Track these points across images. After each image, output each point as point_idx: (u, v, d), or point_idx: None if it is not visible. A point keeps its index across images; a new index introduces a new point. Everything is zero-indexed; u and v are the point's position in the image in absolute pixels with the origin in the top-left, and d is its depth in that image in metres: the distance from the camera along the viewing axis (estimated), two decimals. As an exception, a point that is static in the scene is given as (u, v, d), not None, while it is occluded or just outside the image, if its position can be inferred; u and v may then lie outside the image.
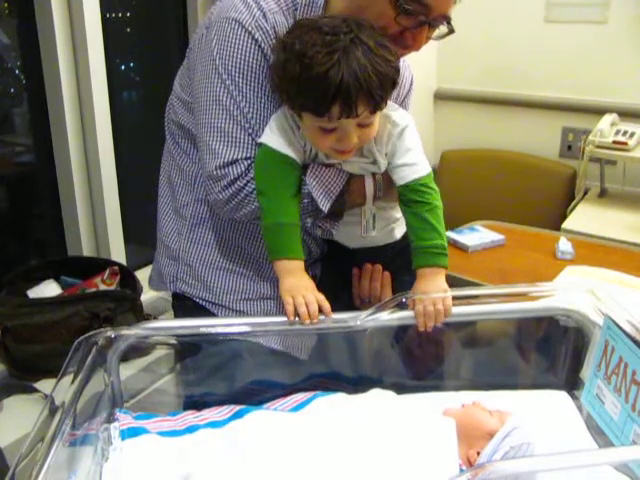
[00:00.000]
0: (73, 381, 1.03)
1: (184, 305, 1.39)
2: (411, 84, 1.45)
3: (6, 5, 1.93)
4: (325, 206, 1.21)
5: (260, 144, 1.20)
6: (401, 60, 1.36)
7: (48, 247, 2.17)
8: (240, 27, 1.18)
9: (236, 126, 1.21)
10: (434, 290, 1.19)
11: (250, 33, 1.18)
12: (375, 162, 1.22)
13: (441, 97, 3.25)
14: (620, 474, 1.01)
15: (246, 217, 1.25)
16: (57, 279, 1.91)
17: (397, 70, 1.12)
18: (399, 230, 1.38)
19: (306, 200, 1.22)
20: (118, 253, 2.12)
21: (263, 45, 1.18)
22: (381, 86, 1.08)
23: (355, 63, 1.05)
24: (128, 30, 2.23)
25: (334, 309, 1.19)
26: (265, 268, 1.34)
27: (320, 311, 1.16)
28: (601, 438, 1.10)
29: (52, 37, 1.86)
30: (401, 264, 1.36)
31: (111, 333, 1.12)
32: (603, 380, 1.09)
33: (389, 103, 1.18)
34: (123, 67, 2.23)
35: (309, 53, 1.05)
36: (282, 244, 1.19)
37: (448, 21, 1.22)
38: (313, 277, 1.31)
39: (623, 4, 2.69)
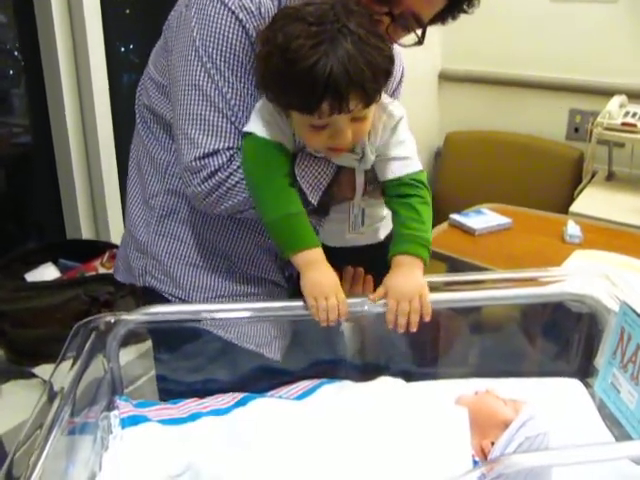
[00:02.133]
0: (72, 367, 1.00)
1: (155, 301, 1.27)
2: (402, 74, 1.34)
3: None
4: (314, 198, 1.13)
5: (247, 133, 1.11)
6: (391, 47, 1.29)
7: (46, 230, 2.15)
8: (222, 5, 1.07)
9: (217, 113, 1.10)
10: (411, 283, 1.10)
11: (234, 12, 1.07)
12: (363, 157, 1.14)
13: (446, 78, 3.22)
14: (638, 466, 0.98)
15: (227, 211, 1.16)
16: (56, 262, 1.89)
17: (391, 59, 1.02)
18: (383, 231, 1.29)
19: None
20: (117, 235, 2.08)
21: (248, 26, 1.08)
22: (374, 78, 0.99)
23: (344, 55, 0.95)
24: (127, 12, 2.19)
25: None
26: (237, 265, 1.26)
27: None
28: (616, 428, 1.07)
29: (49, 16, 1.84)
30: (384, 266, 1.25)
31: (111, 318, 1.09)
32: (619, 368, 1.05)
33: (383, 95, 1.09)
34: (123, 49, 2.19)
35: (293, 46, 0.96)
36: (297, 235, 1.09)
37: (420, 26, 1.11)
38: (289, 276, 1.28)
39: (633, -17, 2.64)
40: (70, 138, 1.97)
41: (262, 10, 1.08)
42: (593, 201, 2.48)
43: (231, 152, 1.11)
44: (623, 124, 2.46)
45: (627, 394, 1.02)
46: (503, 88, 3.07)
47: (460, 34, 3.06)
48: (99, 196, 2.05)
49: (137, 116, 1.30)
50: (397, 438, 0.95)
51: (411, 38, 1.12)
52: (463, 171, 3.06)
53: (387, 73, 1.02)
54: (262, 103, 1.11)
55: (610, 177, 2.71)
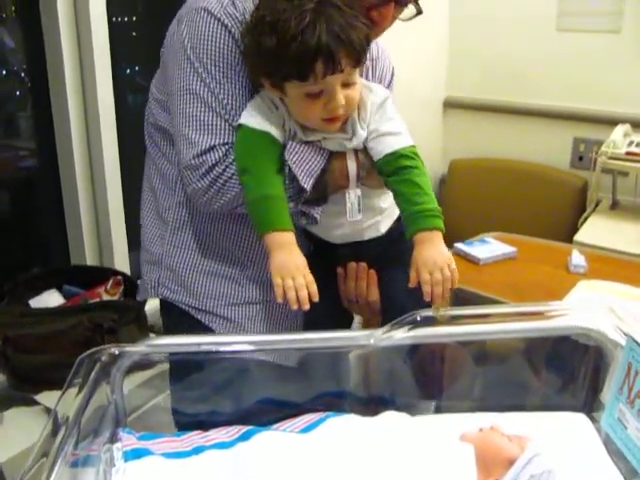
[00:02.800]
0: (77, 396, 1.00)
1: (170, 312, 1.37)
2: (392, 75, 1.43)
3: (13, 8, 1.91)
4: (307, 183, 1.19)
5: (239, 125, 1.19)
6: (380, 50, 1.40)
7: (51, 255, 2.15)
8: (209, 15, 1.18)
9: (211, 113, 1.19)
10: (437, 256, 1.16)
11: (219, 20, 1.18)
12: (354, 135, 1.21)
13: (450, 105, 3.25)
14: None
15: (227, 206, 1.22)
16: (60, 288, 1.89)
17: (369, 28, 1.13)
18: (384, 224, 1.36)
19: (287, 182, 1.19)
20: (122, 262, 2.09)
21: (233, 31, 1.18)
22: (358, 38, 1.10)
23: (329, 20, 1.07)
24: (134, 34, 2.21)
25: (324, 314, 1.20)
26: (250, 270, 1.32)
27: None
28: (623, 464, 1.06)
29: (58, 40, 1.86)
30: (388, 260, 1.37)
31: (115, 350, 1.08)
32: (625, 404, 1.05)
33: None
34: (128, 71, 2.21)
35: (281, 20, 1.07)
36: (270, 216, 1.16)
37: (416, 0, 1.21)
38: None
39: (636, 14, 2.68)
40: (76, 163, 1.98)
41: (246, 16, 1.18)
42: (597, 230, 2.49)
43: (226, 147, 1.20)
44: (627, 153, 2.48)
45: (634, 430, 1.01)
46: (507, 116, 3.09)
47: (465, 62, 3.11)
48: (104, 222, 2.06)
49: (146, 138, 1.39)
50: (403, 475, 0.95)
51: (409, 12, 1.23)
52: (467, 198, 3.07)
53: (368, 37, 1.13)
54: (253, 101, 1.21)
55: (614, 206, 2.73)
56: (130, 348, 1.10)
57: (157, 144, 1.35)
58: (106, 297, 1.85)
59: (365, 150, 1.24)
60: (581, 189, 2.86)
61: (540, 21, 2.89)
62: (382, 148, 1.21)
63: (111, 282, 1.86)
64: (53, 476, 0.85)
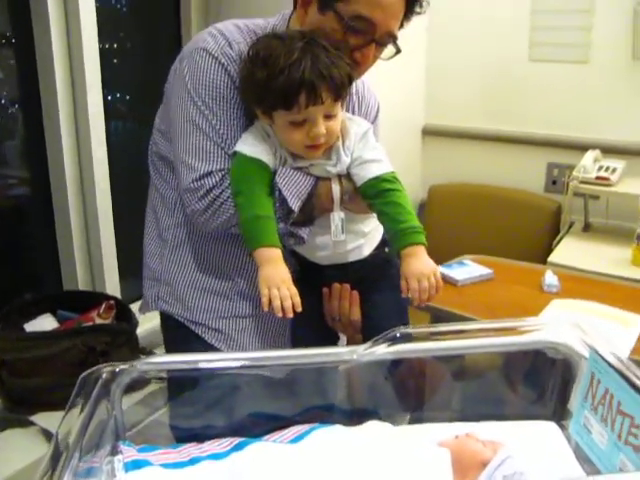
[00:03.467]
0: (80, 413, 1.04)
1: (167, 324, 1.50)
2: (377, 112, 1.55)
3: (7, 35, 1.94)
4: (295, 205, 1.30)
5: (234, 153, 1.31)
6: (366, 88, 1.53)
7: (44, 281, 2.19)
8: (207, 54, 1.31)
9: (209, 142, 1.31)
10: (423, 266, 1.27)
11: (217, 59, 1.31)
12: (338, 162, 1.32)
13: (429, 133, 3.33)
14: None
15: (222, 226, 1.34)
16: (54, 313, 1.94)
17: (351, 67, 1.26)
18: (367, 247, 1.47)
19: (277, 204, 1.30)
20: (113, 287, 2.15)
21: (229, 68, 1.31)
22: (340, 75, 1.22)
23: (314, 58, 1.20)
24: (116, 61, 2.26)
25: (310, 331, 1.37)
26: (241, 287, 1.44)
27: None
28: (590, 467, 1.13)
29: (51, 70, 1.91)
30: (370, 283, 1.49)
31: (115, 368, 1.14)
32: (590, 411, 1.13)
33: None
34: (111, 98, 2.25)
35: (272, 55, 1.21)
36: (260, 234, 1.27)
37: (394, 40, 1.32)
38: None
39: (603, 46, 2.80)
40: (69, 192, 2.02)
41: (242, 57, 1.30)
42: (570, 251, 2.58)
43: (222, 173, 1.31)
44: (597, 177, 2.58)
45: (598, 435, 1.09)
46: (484, 143, 3.18)
47: (442, 91, 3.20)
48: (96, 249, 2.11)
49: (150, 166, 1.51)
50: (384, 477, 1.02)
51: (389, 51, 1.35)
52: (446, 222, 3.14)
53: (349, 76, 1.26)
54: (248, 131, 1.33)
55: (586, 228, 2.82)
56: (129, 366, 1.16)
57: (159, 171, 1.47)
58: (99, 321, 1.90)
59: (348, 176, 1.34)
60: (555, 212, 2.95)
61: (514, 51, 2.99)
62: (365, 174, 1.32)
63: (104, 306, 1.92)
64: None
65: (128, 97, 2.32)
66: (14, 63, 1.98)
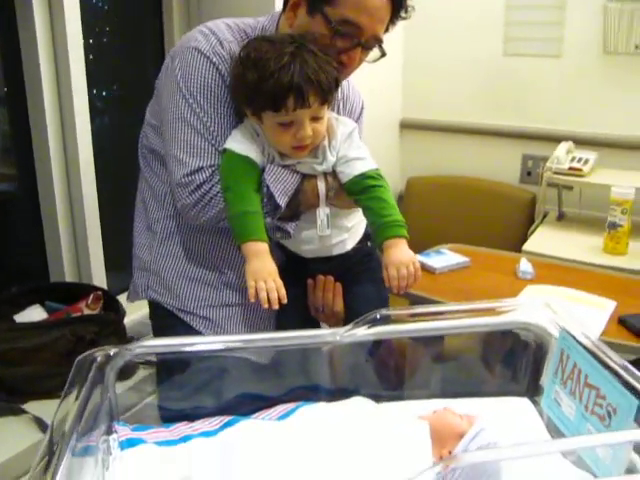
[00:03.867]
0: (76, 396, 1.08)
1: (156, 313, 1.54)
2: (361, 110, 1.61)
3: None
4: (282, 200, 1.35)
5: (224, 150, 1.35)
6: (351, 87, 1.58)
7: (31, 274, 2.22)
8: (199, 53, 1.35)
9: (199, 138, 1.35)
10: (403, 256, 1.34)
11: (208, 57, 1.35)
12: (324, 160, 1.37)
13: (406, 126, 3.39)
14: (583, 471, 1.11)
15: (212, 220, 1.38)
16: (42, 304, 1.97)
17: (338, 71, 1.31)
18: (350, 241, 1.53)
19: (265, 199, 1.35)
20: (100, 279, 2.18)
21: (220, 67, 1.35)
22: (327, 80, 1.27)
23: (303, 63, 1.24)
24: (101, 56, 2.27)
25: (294, 320, 1.42)
26: (228, 277, 1.49)
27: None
28: (560, 438, 1.20)
29: (37, 66, 1.92)
30: (352, 276, 1.55)
31: (110, 351, 1.19)
32: (560, 385, 1.20)
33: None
34: (95, 92, 2.27)
35: (263, 59, 1.25)
36: (248, 229, 1.32)
37: (380, 43, 1.38)
38: None
39: (575, 41, 2.88)
40: (55, 185, 2.04)
41: (232, 57, 1.35)
42: (545, 240, 2.64)
43: (212, 169, 1.36)
44: (570, 168, 2.65)
45: (567, 407, 1.16)
46: (460, 135, 3.24)
47: (419, 86, 3.26)
48: (82, 241, 2.14)
49: (140, 159, 1.54)
50: (367, 448, 1.08)
51: (374, 54, 1.41)
52: (424, 213, 3.20)
53: (337, 80, 1.32)
54: (238, 128, 1.37)
55: (560, 217, 2.89)
56: (123, 349, 1.20)
57: (149, 164, 1.51)
58: (87, 311, 1.92)
59: (334, 174, 1.40)
60: (530, 202, 3.01)
61: (488, 46, 3.06)
62: (350, 171, 1.38)
63: (91, 297, 1.94)
64: (61, 467, 0.93)
65: (112, 92, 2.35)
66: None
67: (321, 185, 1.40)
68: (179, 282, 1.48)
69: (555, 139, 2.85)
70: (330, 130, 1.38)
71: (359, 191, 1.38)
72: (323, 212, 1.42)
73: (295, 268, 1.50)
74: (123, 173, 2.27)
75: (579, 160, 2.68)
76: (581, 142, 2.82)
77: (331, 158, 1.38)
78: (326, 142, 1.37)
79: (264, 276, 1.28)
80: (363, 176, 1.37)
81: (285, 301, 1.29)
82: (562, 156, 2.68)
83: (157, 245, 1.50)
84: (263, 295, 1.27)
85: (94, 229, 2.15)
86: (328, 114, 1.37)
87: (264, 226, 1.34)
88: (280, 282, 1.30)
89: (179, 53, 1.38)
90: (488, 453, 0.93)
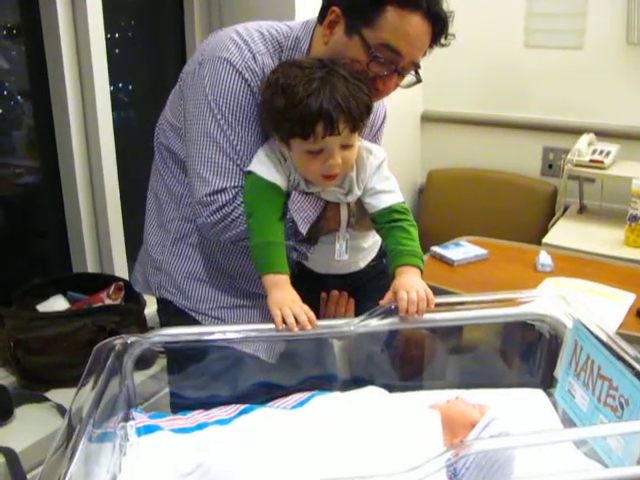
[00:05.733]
0: (95, 383, 1.11)
1: (167, 309, 1.52)
2: (384, 119, 1.57)
3: (9, 26, 1.99)
4: (303, 229, 1.32)
5: (249, 172, 1.31)
6: None
7: (54, 265, 2.25)
8: (231, 67, 1.30)
9: (225, 157, 1.32)
10: (414, 281, 1.27)
11: (240, 73, 1.30)
12: (350, 192, 1.34)
13: (427, 119, 3.38)
14: (592, 461, 1.11)
15: (230, 239, 1.36)
16: (65, 295, 2.00)
17: (370, 98, 1.25)
18: (363, 261, 1.51)
19: (289, 224, 1.32)
20: (121, 269, 2.21)
21: (252, 84, 1.31)
22: (358, 107, 1.22)
23: (333, 89, 1.19)
24: (122, 51, 2.30)
25: None
26: (237, 281, 1.47)
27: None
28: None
29: (60, 61, 1.95)
30: (365, 293, 1.51)
31: (127, 339, 1.21)
32: (573, 377, 1.20)
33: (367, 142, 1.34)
34: (114, 86, 2.30)
35: (292, 84, 1.20)
36: (270, 260, 1.29)
37: (417, 69, 1.33)
38: None
39: (597, 33, 2.85)
40: (77, 178, 2.07)
41: (265, 70, 1.30)
42: (565, 232, 2.62)
43: (236, 190, 1.32)
44: (591, 161, 2.63)
45: (580, 398, 1.17)
46: (481, 128, 3.23)
47: (441, 78, 3.22)
48: (104, 232, 2.17)
49: (156, 152, 1.51)
50: (380, 437, 1.09)
51: (409, 79, 1.35)
52: (444, 206, 3.20)
53: (368, 107, 1.25)
54: (263, 149, 1.32)
55: (582, 210, 2.87)
56: (141, 337, 1.23)
57: (167, 164, 1.47)
58: (108, 301, 1.96)
59: (357, 200, 1.37)
60: (551, 195, 3.00)
61: (510, 38, 3.03)
62: (377, 203, 1.35)
63: (113, 287, 1.98)
64: (78, 452, 0.96)
65: (134, 86, 2.37)
66: (23, 54, 2.03)
67: (344, 212, 1.37)
68: (190, 284, 1.47)
69: (576, 131, 2.82)
70: (360, 162, 1.33)
71: (384, 222, 1.35)
72: (342, 237, 1.39)
73: (309, 280, 1.48)
74: (145, 165, 2.29)
75: (600, 152, 2.65)
76: (602, 134, 2.79)
77: (357, 192, 1.34)
78: (354, 174, 1.33)
79: (288, 304, 1.25)
80: (389, 209, 1.34)
81: (316, 323, 1.25)
82: (583, 148, 2.66)
83: (170, 245, 1.49)
84: (291, 320, 1.22)
85: (116, 221, 2.18)
86: (359, 142, 1.33)
87: (285, 257, 1.30)
88: (306, 306, 1.26)
89: (209, 61, 1.33)
90: (499, 441, 0.93)
